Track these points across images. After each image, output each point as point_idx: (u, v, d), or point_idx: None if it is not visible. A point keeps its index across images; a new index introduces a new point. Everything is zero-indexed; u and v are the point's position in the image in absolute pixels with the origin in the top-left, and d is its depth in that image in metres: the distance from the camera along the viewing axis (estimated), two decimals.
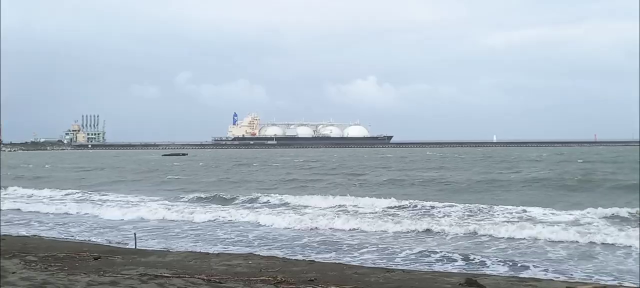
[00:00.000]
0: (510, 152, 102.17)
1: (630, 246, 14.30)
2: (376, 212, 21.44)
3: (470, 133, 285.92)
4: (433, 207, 22.12)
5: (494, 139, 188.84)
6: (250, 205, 25.47)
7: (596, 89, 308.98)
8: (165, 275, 10.03)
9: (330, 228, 18.15)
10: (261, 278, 10.02)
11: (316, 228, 18.28)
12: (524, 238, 15.87)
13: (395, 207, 22.64)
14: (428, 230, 17.37)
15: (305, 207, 23.82)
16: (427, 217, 20.09)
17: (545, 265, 12.66)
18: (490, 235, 16.35)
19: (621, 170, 42.74)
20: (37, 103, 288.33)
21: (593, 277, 11.53)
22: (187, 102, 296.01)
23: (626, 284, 10.74)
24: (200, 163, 70.98)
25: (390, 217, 19.85)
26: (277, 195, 27.35)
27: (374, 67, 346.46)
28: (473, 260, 13.19)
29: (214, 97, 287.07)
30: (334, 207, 23.35)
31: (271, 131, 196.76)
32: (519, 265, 12.62)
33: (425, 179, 38.37)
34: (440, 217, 19.89)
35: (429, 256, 13.80)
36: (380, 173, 46.82)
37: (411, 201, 23.58)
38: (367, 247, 15.01)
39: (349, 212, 21.71)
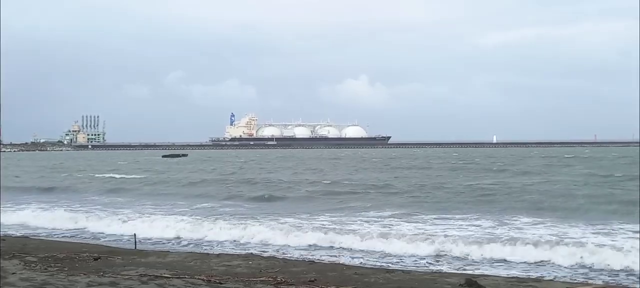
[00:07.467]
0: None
1: None
2: None
3: (469, 133, 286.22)
4: None
5: (494, 140, 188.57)
6: None
7: (596, 89, 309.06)
8: (165, 275, 10.02)
9: None
10: (261, 278, 10.02)
11: None
12: None
13: None
14: None
15: None
16: None
17: None
18: None
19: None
20: (37, 103, 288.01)
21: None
22: (183, 103, 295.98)
23: (626, 284, 10.78)
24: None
25: None
26: None
27: (372, 67, 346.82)
28: None
29: (208, 97, 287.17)
30: None
31: (268, 132, 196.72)
32: None
33: None
34: None
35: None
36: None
37: None
38: None
39: None
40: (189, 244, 16.10)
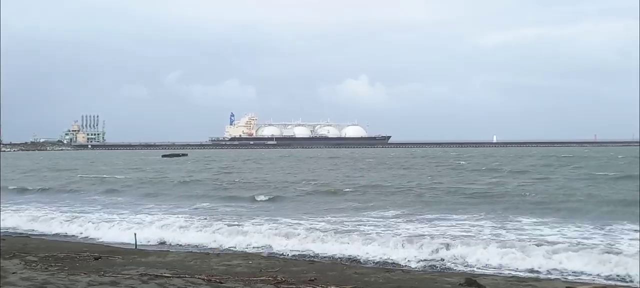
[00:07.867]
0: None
1: None
2: None
3: (469, 133, 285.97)
4: None
5: (494, 140, 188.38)
6: None
7: (596, 89, 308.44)
8: (166, 275, 10.04)
9: None
10: (261, 278, 10.04)
11: None
12: None
13: None
14: None
15: None
16: None
17: None
18: None
19: None
20: (37, 103, 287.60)
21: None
22: (182, 103, 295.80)
23: (626, 284, 10.79)
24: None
25: None
26: None
27: (372, 67, 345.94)
28: None
29: (208, 97, 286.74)
30: None
31: (268, 131, 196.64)
32: None
33: None
34: None
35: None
36: None
37: None
38: None
39: None
40: (188, 244, 16.10)
